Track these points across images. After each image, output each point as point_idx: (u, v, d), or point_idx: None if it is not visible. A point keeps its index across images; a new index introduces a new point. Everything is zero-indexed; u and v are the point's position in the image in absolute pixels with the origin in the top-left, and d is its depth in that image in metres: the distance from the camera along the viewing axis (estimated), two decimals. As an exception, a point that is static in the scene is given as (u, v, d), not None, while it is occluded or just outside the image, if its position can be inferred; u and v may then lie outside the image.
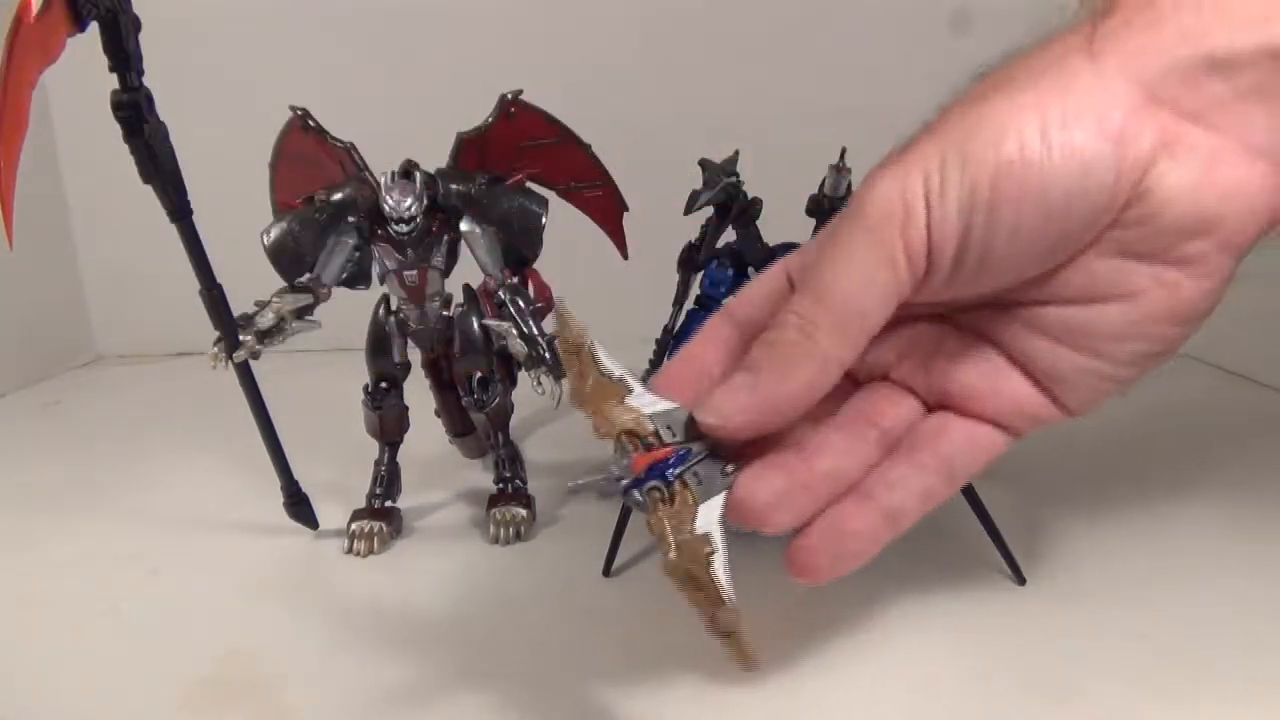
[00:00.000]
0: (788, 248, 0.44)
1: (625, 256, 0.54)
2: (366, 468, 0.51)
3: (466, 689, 0.36)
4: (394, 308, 0.49)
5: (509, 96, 0.48)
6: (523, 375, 0.47)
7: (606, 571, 0.45)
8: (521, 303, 0.46)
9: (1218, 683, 0.35)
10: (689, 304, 0.51)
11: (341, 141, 0.48)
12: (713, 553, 0.27)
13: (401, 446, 0.51)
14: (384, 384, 0.50)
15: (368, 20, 0.83)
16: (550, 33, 0.83)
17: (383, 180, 0.46)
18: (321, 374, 0.66)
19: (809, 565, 0.29)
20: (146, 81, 0.38)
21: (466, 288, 0.50)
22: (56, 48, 0.35)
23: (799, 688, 0.36)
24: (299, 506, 0.49)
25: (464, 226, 0.47)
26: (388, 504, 0.50)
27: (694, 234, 0.48)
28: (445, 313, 0.50)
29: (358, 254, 0.47)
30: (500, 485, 0.51)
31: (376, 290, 0.49)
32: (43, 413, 0.77)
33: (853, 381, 0.32)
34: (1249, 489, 0.51)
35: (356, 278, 0.48)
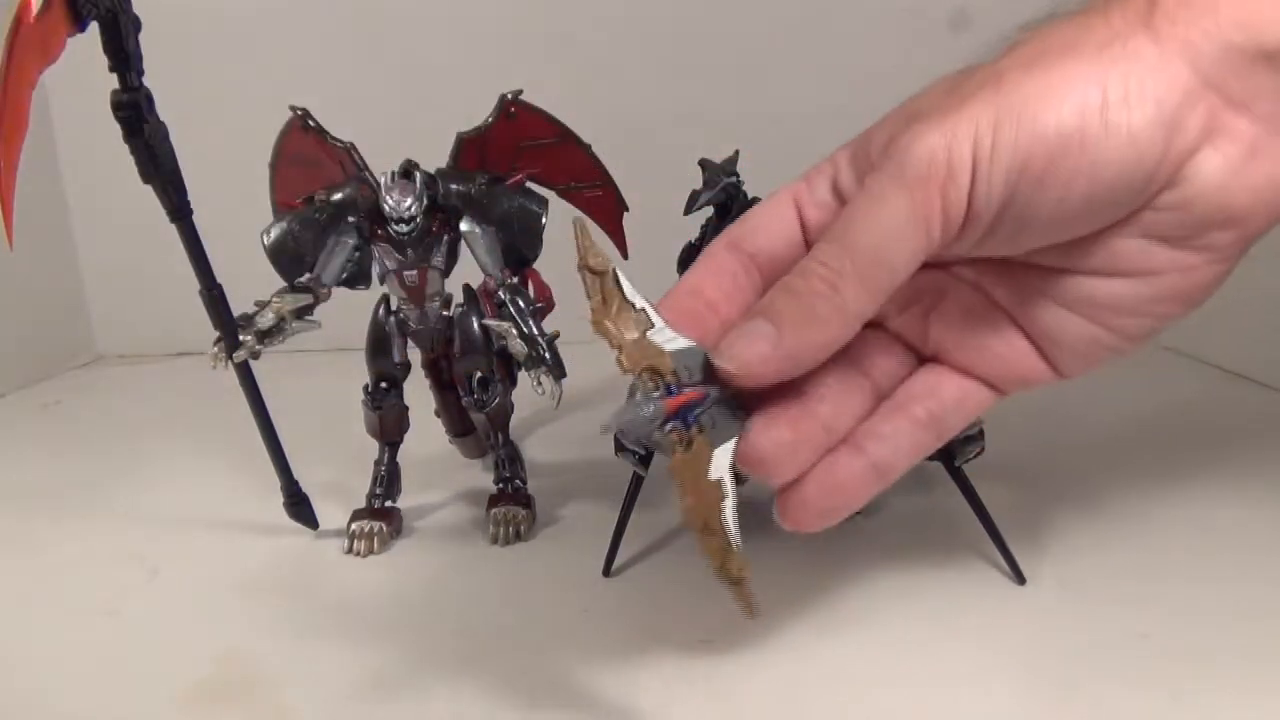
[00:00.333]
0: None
1: (625, 256, 0.54)
2: (366, 468, 0.51)
3: (467, 689, 0.36)
4: (394, 308, 0.49)
5: (509, 96, 0.48)
6: (523, 375, 0.47)
7: (606, 571, 0.45)
8: (521, 303, 0.46)
9: (1218, 683, 0.35)
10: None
11: (341, 141, 0.48)
12: (724, 499, 0.27)
13: (401, 446, 0.51)
14: (384, 384, 0.50)
15: (368, 20, 0.83)
16: (550, 33, 0.83)
17: (383, 180, 0.46)
18: (321, 374, 0.66)
19: (800, 516, 0.29)
20: (146, 81, 0.38)
21: (466, 288, 0.50)
22: (56, 48, 0.35)
23: (798, 687, 0.36)
24: (299, 506, 0.49)
25: (464, 226, 0.47)
26: (388, 504, 0.50)
27: (694, 234, 0.48)
28: (445, 313, 0.50)
29: (358, 254, 0.47)
30: (500, 485, 0.51)
31: (376, 290, 0.49)
32: (43, 413, 0.77)
33: None
34: (1249, 489, 0.51)
35: (356, 278, 0.48)
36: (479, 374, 0.49)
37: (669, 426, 0.27)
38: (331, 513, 0.50)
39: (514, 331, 0.45)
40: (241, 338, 0.43)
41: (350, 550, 0.48)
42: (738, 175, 0.46)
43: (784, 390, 0.28)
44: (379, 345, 0.50)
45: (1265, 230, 0.27)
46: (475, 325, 0.49)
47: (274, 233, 0.47)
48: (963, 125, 0.26)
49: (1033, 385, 0.31)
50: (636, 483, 0.45)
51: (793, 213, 0.31)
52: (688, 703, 0.35)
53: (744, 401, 0.28)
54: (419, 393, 0.53)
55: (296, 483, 0.49)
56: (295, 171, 0.50)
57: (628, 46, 0.83)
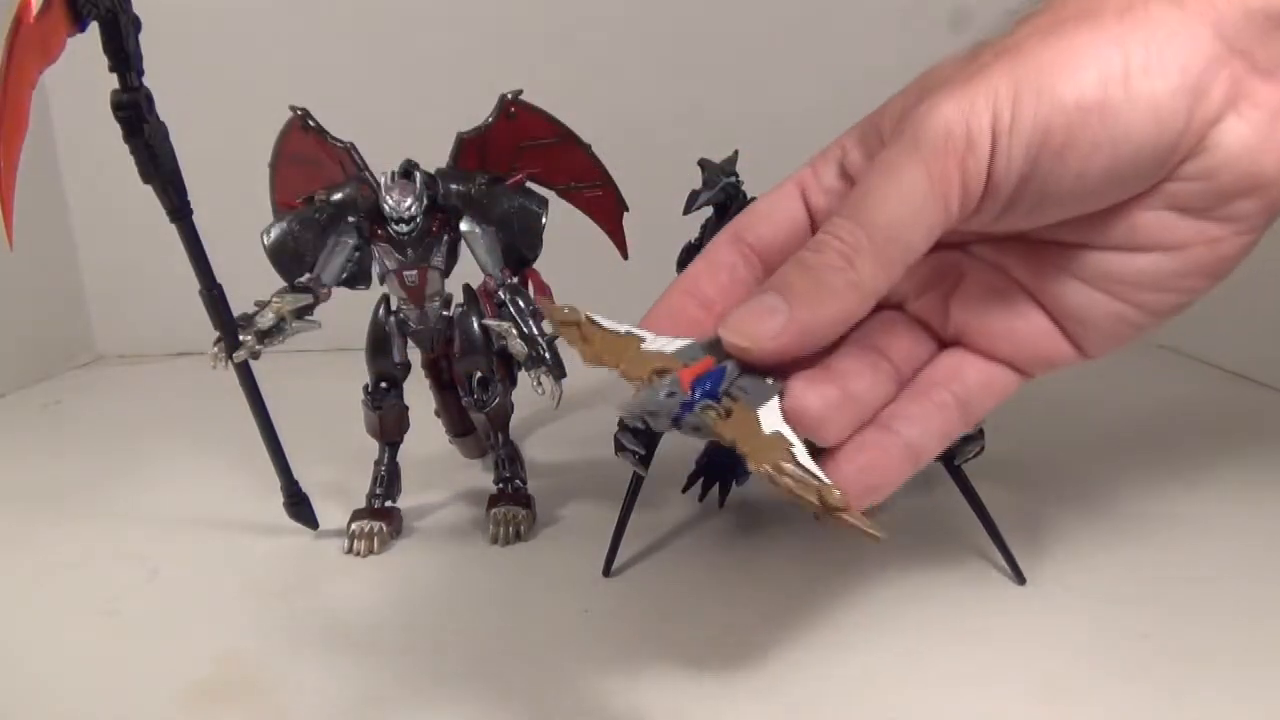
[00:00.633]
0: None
1: (625, 256, 0.54)
2: (366, 468, 0.51)
3: (467, 688, 0.36)
4: (394, 308, 0.49)
5: (509, 96, 0.48)
6: (523, 375, 0.47)
7: (606, 571, 0.45)
8: (521, 303, 0.46)
9: (1218, 683, 0.35)
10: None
11: (341, 141, 0.48)
12: (791, 446, 0.25)
13: (401, 446, 0.51)
14: (384, 384, 0.50)
15: (367, 20, 0.83)
16: (550, 33, 0.83)
17: (383, 180, 0.46)
18: (321, 374, 0.66)
19: None
20: (146, 81, 0.38)
21: (466, 288, 0.50)
22: (56, 48, 0.35)
23: (797, 687, 0.36)
24: (299, 506, 0.49)
25: (464, 226, 0.47)
26: (388, 504, 0.50)
27: (694, 234, 0.48)
28: (445, 313, 0.50)
29: (358, 254, 0.47)
30: (500, 485, 0.51)
31: (376, 290, 0.49)
32: (43, 413, 0.77)
33: None
34: (1249, 489, 0.51)
35: (356, 278, 0.48)
36: (479, 374, 0.49)
37: (700, 403, 0.26)
38: (331, 513, 0.50)
39: (514, 331, 0.45)
40: (241, 338, 0.43)
41: (350, 550, 0.48)
42: (737, 175, 0.46)
43: (808, 366, 0.27)
44: (379, 345, 0.50)
45: None
46: (475, 325, 0.49)
47: (274, 233, 0.47)
48: (980, 96, 0.25)
49: (1058, 366, 0.30)
50: (636, 483, 0.45)
51: (798, 202, 0.31)
52: (688, 703, 0.35)
53: (768, 372, 0.27)
54: (419, 393, 0.53)
55: (296, 483, 0.49)
56: (295, 171, 0.50)
57: (628, 46, 0.83)
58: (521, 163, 0.49)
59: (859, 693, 0.36)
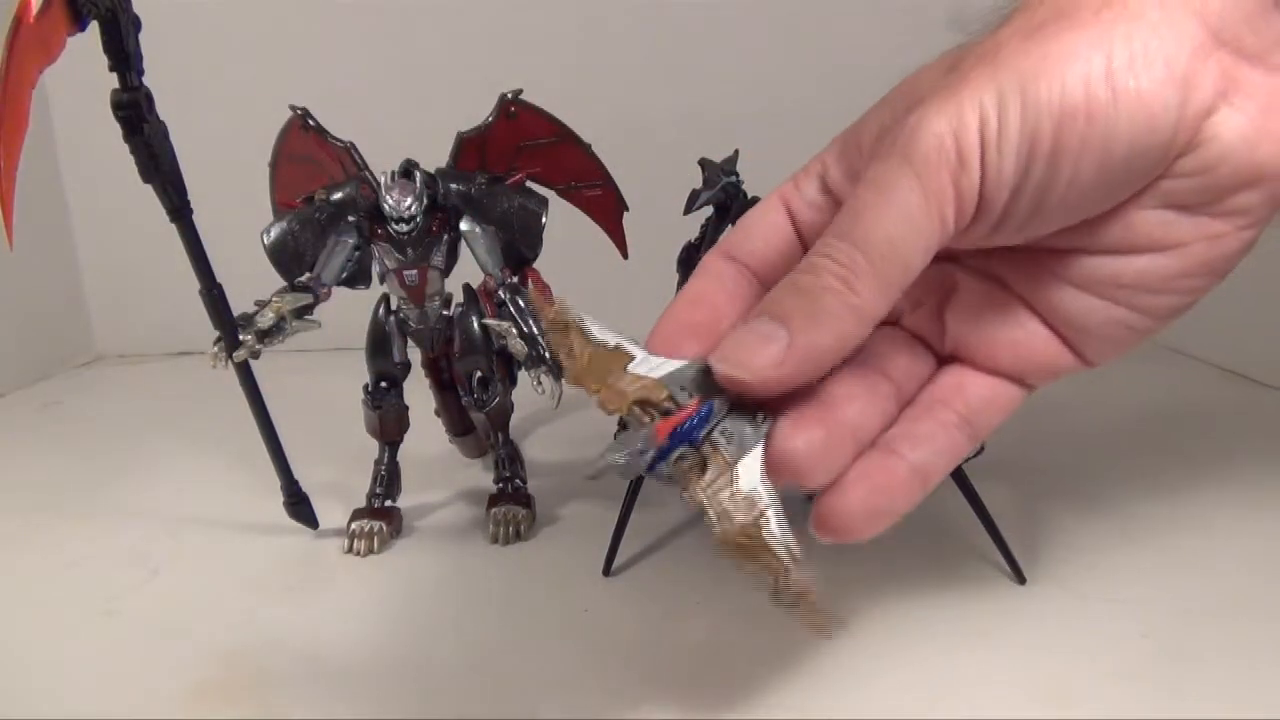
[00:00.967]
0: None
1: (625, 256, 0.54)
2: (366, 468, 0.51)
3: (466, 688, 0.36)
4: (394, 307, 0.49)
5: (509, 96, 0.48)
6: (523, 375, 0.47)
7: (606, 571, 0.45)
8: (521, 302, 0.46)
9: (1218, 682, 0.35)
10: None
11: (341, 141, 0.48)
12: (763, 513, 0.24)
13: (401, 446, 0.51)
14: (384, 384, 0.50)
15: (367, 20, 0.83)
16: (550, 33, 0.83)
17: (383, 180, 0.46)
18: (321, 374, 0.66)
19: (845, 524, 0.26)
20: (146, 81, 0.38)
21: (466, 287, 0.50)
22: (56, 48, 0.35)
23: (798, 687, 0.36)
24: (299, 506, 0.49)
25: (464, 226, 0.47)
26: (388, 504, 0.50)
27: (694, 234, 0.48)
28: (445, 312, 0.50)
29: (358, 253, 0.47)
30: (500, 485, 0.51)
31: (376, 290, 0.49)
32: (43, 413, 0.77)
33: None
34: (1249, 488, 0.51)
35: (356, 277, 0.48)
36: (479, 374, 0.49)
37: (675, 454, 0.24)
38: (331, 512, 0.50)
39: (514, 331, 0.45)
40: (241, 337, 0.43)
41: (350, 550, 0.48)
42: (738, 175, 0.46)
43: (801, 394, 0.26)
44: (379, 345, 0.50)
45: None
46: (475, 325, 0.49)
47: (274, 232, 0.47)
48: (967, 103, 0.24)
49: (1061, 375, 0.29)
50: (636, 483, 0.45)
51: (784, 216, 0.30)
52: (688, 703, 0.35)
53: (759, 408, 0.26)
54: (419, 393, 0.53)
55: (296, 482, 0.49)
56: (295, 171, 0.50)
57: (628, 46, 0.83)
58: (521, 162, 0.49)
59: (858, 692, 0.36)
